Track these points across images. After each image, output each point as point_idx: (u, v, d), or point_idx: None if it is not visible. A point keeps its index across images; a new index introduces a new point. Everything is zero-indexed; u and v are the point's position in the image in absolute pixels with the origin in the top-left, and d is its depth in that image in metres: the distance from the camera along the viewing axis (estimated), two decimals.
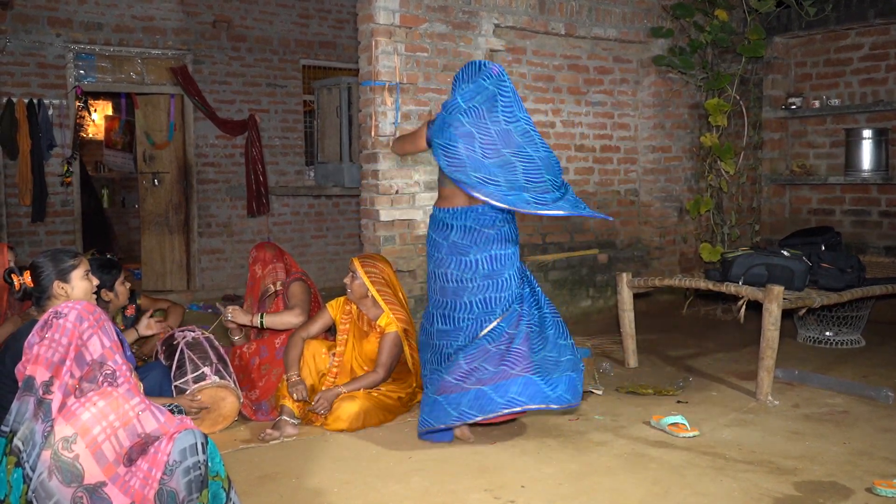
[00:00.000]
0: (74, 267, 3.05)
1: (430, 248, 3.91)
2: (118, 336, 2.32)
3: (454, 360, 3.61)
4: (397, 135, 4.98)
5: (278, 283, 4.35)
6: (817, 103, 6.69)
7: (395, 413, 3.96)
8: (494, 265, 3.70)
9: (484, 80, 3.71)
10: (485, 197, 3.56)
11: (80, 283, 3.05)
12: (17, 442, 2.11)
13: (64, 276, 3.03)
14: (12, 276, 3.12)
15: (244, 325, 4.30)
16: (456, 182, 3.66)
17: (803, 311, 4.81)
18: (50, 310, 2.26)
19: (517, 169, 3.63)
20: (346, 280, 4.01)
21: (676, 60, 6.30)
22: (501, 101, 3.70)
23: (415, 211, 5.11)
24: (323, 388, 3.91)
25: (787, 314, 4.72)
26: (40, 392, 2.14)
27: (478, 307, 3.69)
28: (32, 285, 3.06)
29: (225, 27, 7.93)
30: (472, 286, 3.69)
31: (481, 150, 3.64)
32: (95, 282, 3.15)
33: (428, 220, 5.10)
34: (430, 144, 3.92)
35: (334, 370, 3.98)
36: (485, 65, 3.79)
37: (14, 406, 2.17)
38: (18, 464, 2.10)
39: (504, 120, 3.69)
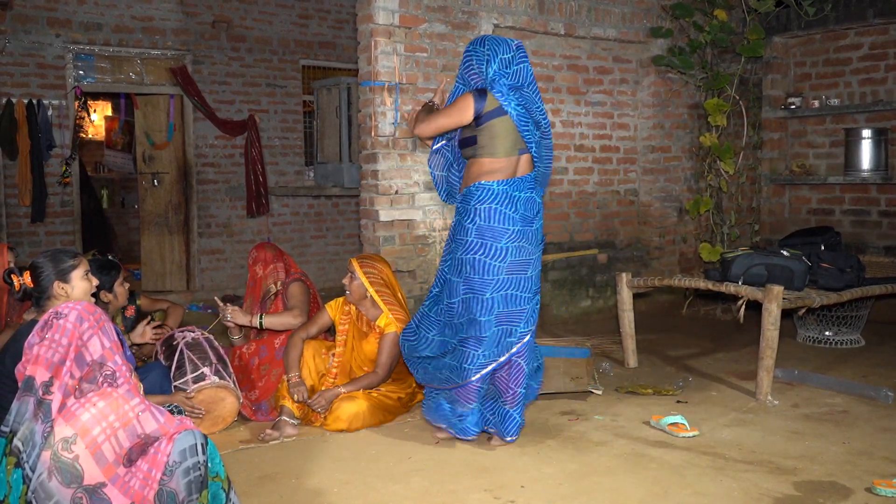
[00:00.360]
0: (74, 267, 3.05)
1: (498, 223, 3.51)
2: (118, 336, 2.32)
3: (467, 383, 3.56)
4: (396, 135, 4.98)
5: (279, 283, 4.35)
6: (817, 103, 6.69)
7: (395, 413, 3.96)
8: (541, 234, 3.71)
9: (524, 59, 3.69)
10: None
11: (79, 283, 3.05)
12: (16, 442, 2.11)
13: (64, 277, 3.03)
14: (12, 276, 3.12)
15: (243, 326, 4.30)
16: (544, 164, 3.73)
17: (803, 310, 4.81)
18: (50, 310, 2.26)
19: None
20: (345, 281, 4.00)
21: (676, 60, 6.30)
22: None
23: (414, 211, 5.11)
24: (322, 389, 3.91)
25: (786, 314, 4.72)
26: (40, 392, 2.14)
27: (535, 283, 3.63)
28: (32, 286, 3.06)
29: (224, 27, 7.93)
30: (534, 258, 3.64)
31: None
32: (95, 282, 3.15)
33: (425, 219, 5.15)
34: (477, 118, 3.57)
35: (334, 371, 3.98)
36: (512, 42, 3.69)
37: (14, 406, 2.17)
38: (18, 464, 2.10)
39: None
